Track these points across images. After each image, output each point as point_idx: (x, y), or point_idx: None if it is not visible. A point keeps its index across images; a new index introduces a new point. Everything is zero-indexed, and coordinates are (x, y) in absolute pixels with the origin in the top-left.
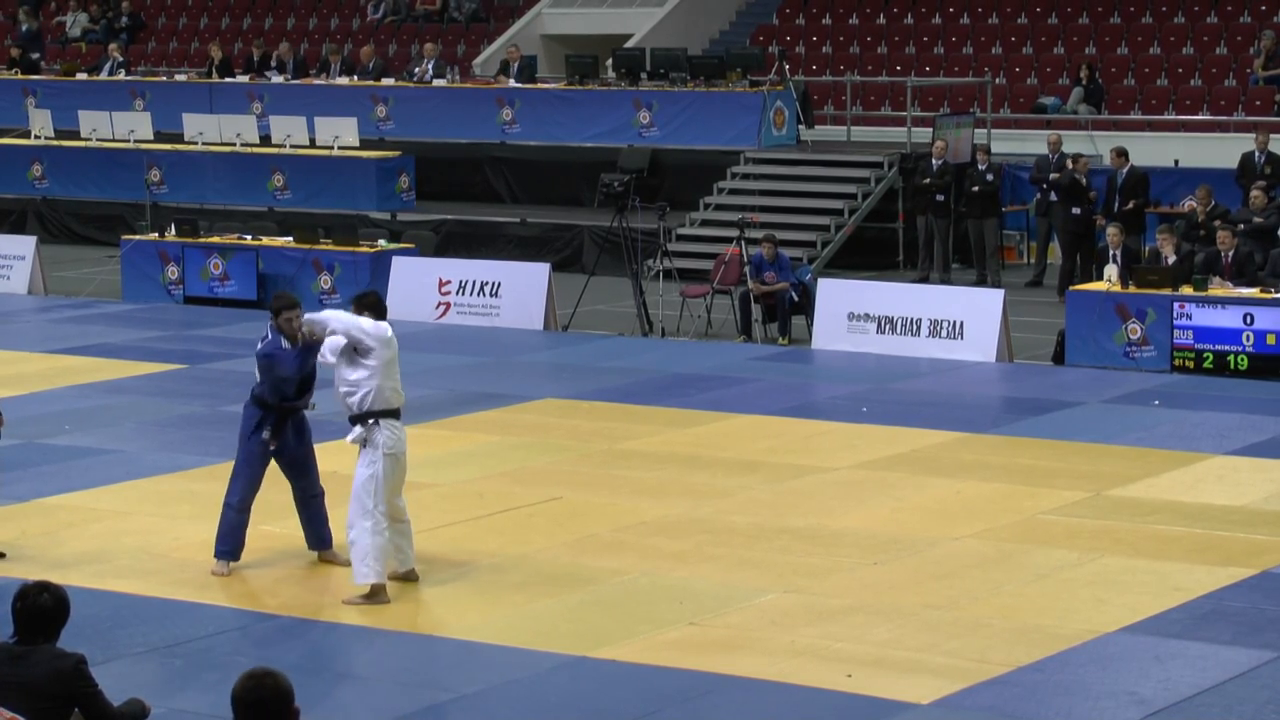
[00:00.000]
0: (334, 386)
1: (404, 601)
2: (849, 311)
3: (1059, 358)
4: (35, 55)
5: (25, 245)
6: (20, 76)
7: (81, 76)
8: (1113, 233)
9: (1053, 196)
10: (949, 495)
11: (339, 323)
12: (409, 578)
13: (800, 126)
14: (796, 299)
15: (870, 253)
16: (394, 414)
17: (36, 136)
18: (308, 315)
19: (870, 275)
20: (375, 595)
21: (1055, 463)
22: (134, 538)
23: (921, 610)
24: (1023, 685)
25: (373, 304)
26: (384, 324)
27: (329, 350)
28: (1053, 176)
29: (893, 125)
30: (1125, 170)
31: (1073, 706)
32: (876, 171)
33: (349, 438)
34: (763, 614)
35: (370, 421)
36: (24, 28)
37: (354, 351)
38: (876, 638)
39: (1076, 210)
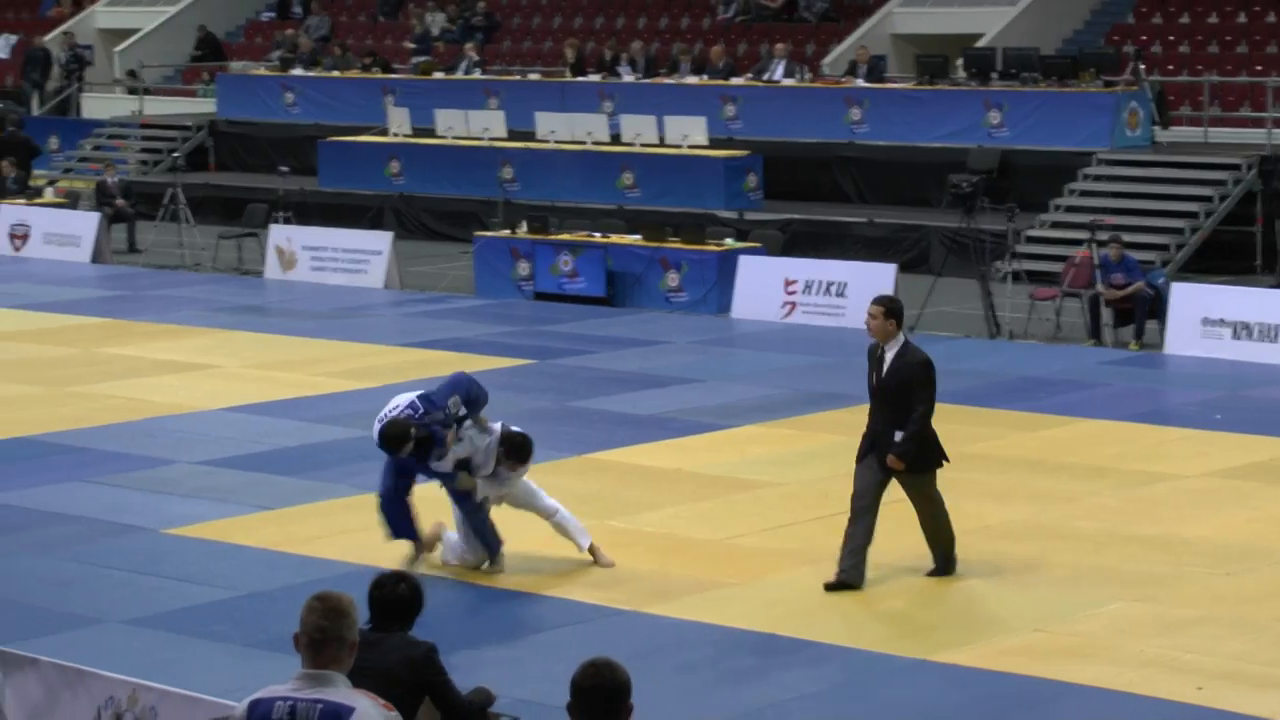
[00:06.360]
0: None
1: (747, 598)
2: (1203, 316)
3: None
4: (424, 58)
5: (382, 240)
6: (379, 75)
7: (438, 75)
8: None
9: None
10: None
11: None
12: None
13: (1155, 127)
14: (1149, 302)
15: (1226, 257)
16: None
17: (394, 134)
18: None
19: (1226, 280)
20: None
21: None
22: None
23: (1276, 624)
24: None
25: (519, 444)
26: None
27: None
28: None
29: (1252, 126)
30: None
31: None
32: (1234, 174)
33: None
34: (1110, 622)
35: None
36: (416, 31)
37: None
38: (1229, 650)
39: None
